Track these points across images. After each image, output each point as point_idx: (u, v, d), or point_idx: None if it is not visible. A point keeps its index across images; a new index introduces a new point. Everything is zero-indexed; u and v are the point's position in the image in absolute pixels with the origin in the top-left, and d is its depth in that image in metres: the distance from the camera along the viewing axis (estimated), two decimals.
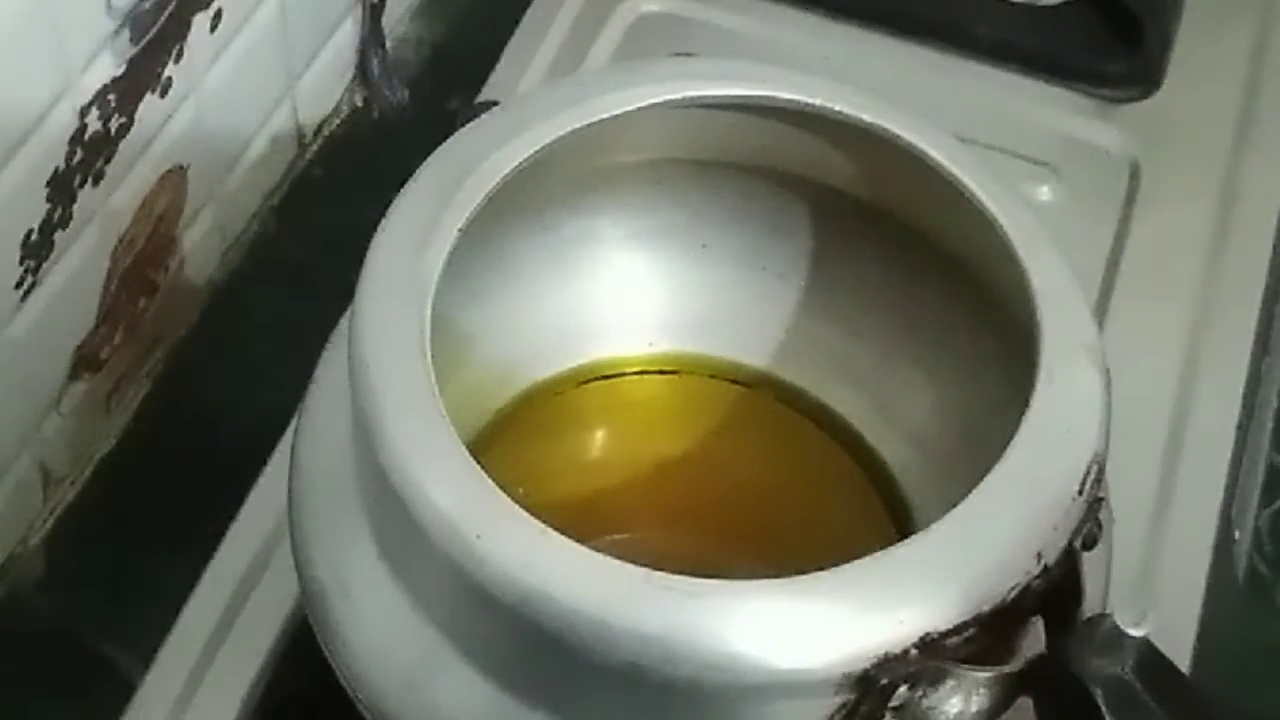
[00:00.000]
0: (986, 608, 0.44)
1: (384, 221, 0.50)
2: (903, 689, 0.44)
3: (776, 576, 0.43)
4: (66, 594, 0.63)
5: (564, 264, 0.60)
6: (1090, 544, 0.47)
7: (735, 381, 0.61)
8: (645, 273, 0.61)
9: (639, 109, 0.52)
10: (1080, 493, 0.46)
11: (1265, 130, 0.76)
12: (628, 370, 0.61)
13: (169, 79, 0.62)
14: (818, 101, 0.53)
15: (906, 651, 0.43)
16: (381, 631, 0.48)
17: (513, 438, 0.58)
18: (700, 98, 0.53)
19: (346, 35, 0.75)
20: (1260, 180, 0.74)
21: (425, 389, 0.46)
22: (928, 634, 0.43)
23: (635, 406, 0.61)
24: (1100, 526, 0.48)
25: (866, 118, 0.53)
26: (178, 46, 0.62)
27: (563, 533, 0.44)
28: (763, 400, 0.61)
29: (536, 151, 0.51)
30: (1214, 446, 0.66)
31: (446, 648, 0.47)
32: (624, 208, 0.59)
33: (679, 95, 0.53)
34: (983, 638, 0.44)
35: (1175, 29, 0.78)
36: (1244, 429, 0.67)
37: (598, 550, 0.44)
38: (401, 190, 0.50)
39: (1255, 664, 0.73)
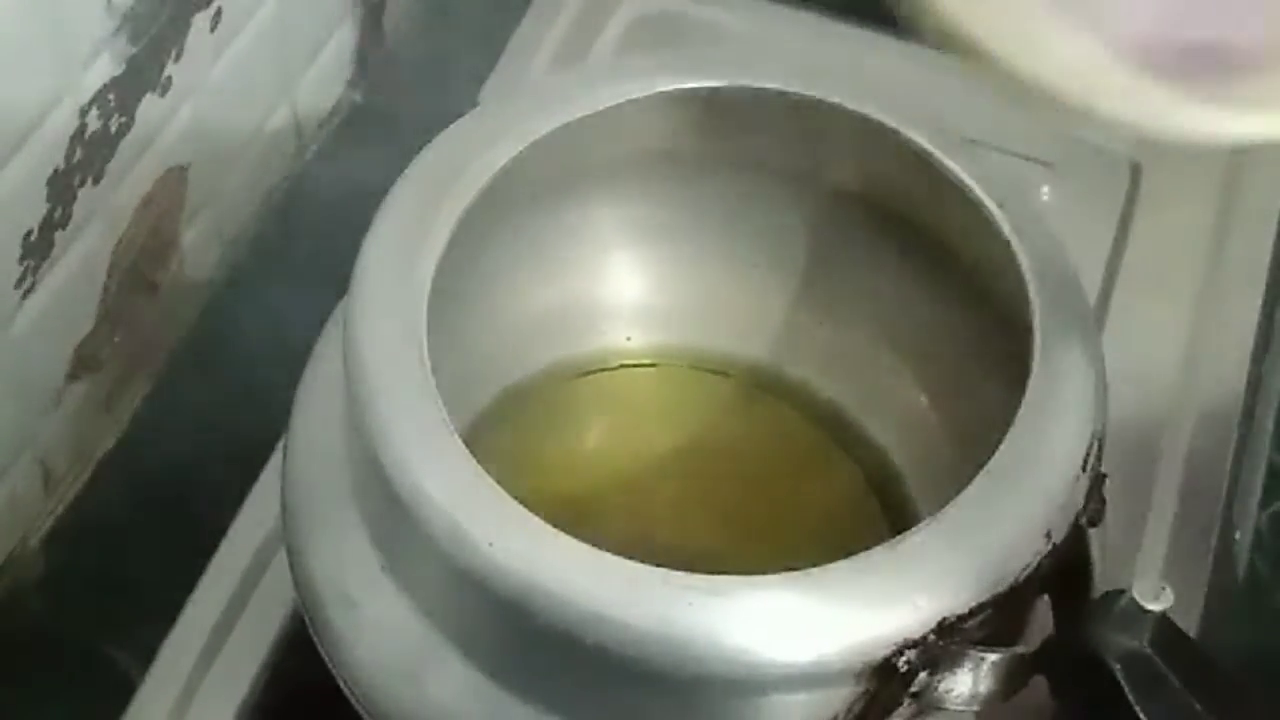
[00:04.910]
0: (1001, 588, 0.44)
1: (367, 237, 0.49)
2: (921, 674, 0.44)
3: (771, 566, 0.43)
4: (67, 594, 0.63)
5: (541, 261, 0.59)
6: (1095, 520, 0.48)
7: (720, 373, 0.61)
8: (626, 270, 0.61)
9: (619, 105, 0.52)
10: (1084, 469, 0.47)
11: None
12: (609, 365, 0.61)
13: (169, 78, 0.62)
14: (813, 94, 0.53)
15: (925, 637, 0.43)
16: (379, 632, 0.48)
17: (493, 437, 0.58)
18: (686, 90, 0.53)
19: (346, 35, 0.75)
20: (1260, 180, 0.74)
21: (425, 392, 0.46)
22: (945, 618, 0.44)
23: (619, 401, 0.61)
24: (1104, 502, 0.48)
25: (856, 108, 0.53)
26: (177, 46, 0.62)
27: None
28: (748, 392, 0.61)
29: (523, 150, 0.51)
30: (1214, 446, 0.66)
31: (447, 648, 0.47)
32: (604, 203, 0.59)
33: (662, 89, 0.53)
34: (996, 619, 0.45)
35: None
36: (1244, 429, 0.67)
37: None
38: (386, 197, 0.50)
39: (1255, 664, 0.73)
